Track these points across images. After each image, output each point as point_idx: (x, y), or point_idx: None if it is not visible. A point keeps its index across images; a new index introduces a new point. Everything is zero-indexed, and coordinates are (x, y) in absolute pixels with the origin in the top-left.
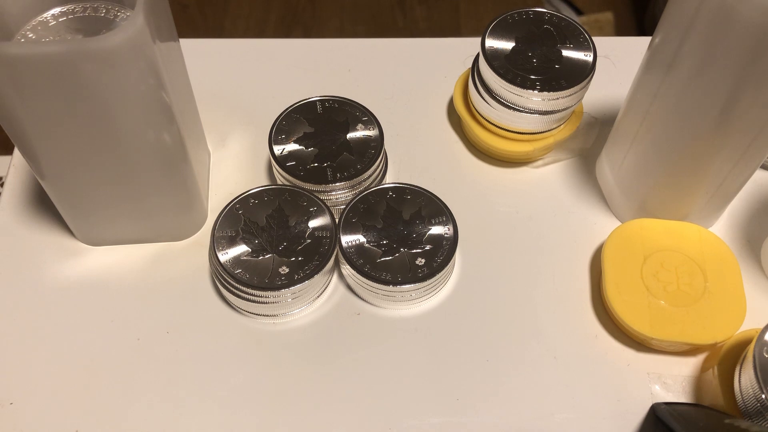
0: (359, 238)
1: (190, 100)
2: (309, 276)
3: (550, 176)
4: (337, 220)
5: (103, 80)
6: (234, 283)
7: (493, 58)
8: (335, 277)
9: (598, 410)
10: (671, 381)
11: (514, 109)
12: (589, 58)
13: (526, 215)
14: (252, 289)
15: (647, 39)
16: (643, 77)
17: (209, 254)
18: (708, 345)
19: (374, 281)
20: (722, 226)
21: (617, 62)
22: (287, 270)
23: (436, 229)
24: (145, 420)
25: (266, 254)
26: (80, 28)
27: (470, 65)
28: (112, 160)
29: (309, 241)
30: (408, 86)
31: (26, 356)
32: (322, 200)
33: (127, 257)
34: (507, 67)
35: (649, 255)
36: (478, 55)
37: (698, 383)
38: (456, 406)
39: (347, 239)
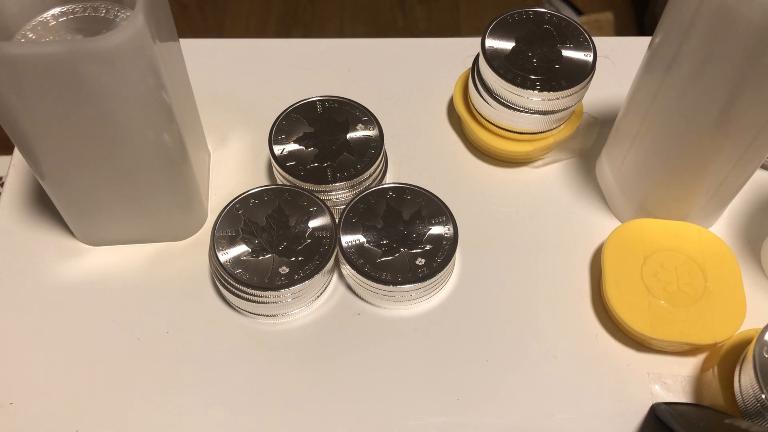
0: (359, 238)
1: (190, 100)
2: (309, 276)
3: (550, 176)
4: (337, 220)
5: (103, 80)
6: (234, 283)
7: (493, 58)
8: (335, 277)
9: (598, 410)
10: (671, 381)
11: (514, 109)
12: (589, 58)
13: (526, 215)
14: (252, 289)
15: (647, 39)
16: (643, 77)
17: (209, 254)
18: (708, 345)
19: (374, 281)
20: (722, 226)
21: (617, 62)
22: (287, 270)
23: (436, 229)
24: (145, 420)
25: (266, 254)
26: (80, 28)
27: (470, 65)
28: (112, 160)
29: (309, 241)
30: (408, 86)
31: (26, 356)
32: (322, 200)
33: (127, 257)
34: (507, 67)
35: (649, 255)
36: (478, 55)
37: (698, 383)
38: (456, 406)
39: (347, 239)
